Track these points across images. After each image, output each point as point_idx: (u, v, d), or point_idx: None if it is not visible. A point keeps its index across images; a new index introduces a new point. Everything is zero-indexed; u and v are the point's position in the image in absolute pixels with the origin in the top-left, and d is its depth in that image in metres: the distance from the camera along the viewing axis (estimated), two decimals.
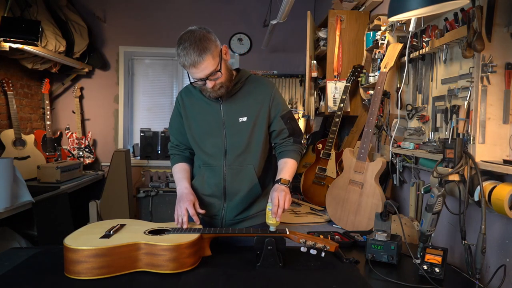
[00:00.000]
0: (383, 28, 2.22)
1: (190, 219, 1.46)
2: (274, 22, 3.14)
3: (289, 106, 4.28)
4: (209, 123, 1.57)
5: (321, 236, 1.37)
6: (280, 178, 1.48)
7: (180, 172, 1.64)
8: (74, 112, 4.19)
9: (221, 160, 1.57)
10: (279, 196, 1.39)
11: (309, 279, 1.21)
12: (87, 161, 4.15)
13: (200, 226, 1.44)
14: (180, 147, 1.69)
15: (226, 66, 1.48)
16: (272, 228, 1.39)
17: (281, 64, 4.39)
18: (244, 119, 1.55)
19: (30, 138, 3.55)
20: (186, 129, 1.63)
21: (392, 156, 2.00)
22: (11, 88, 3.39)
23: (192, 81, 1.46)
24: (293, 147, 1.61)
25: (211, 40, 1.40)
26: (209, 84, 1.43)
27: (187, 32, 1.41)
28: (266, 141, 1.61)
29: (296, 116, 4.32)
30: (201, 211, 1.49)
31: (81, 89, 4.29)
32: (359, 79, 2.57)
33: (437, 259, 1.24)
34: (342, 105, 2.65)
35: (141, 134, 4.25)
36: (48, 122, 3.94)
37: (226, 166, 1.57)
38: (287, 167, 1.54)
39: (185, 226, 1.41)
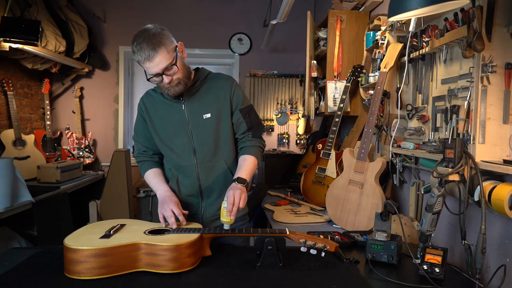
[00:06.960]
0: (383, 28, 2.22)
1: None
2: (274, 22, 3.14)
3: (289, 106, 4.29)
4: (174, 124, 1.58)
5: (321, 236, 1.37)
6: (238, 177, 1.49)
7: (155, 177, 1.64)
8: (74, 112, 4.19)
9: (192, 159, 1.58)
10: (235, 194, 1.39)
11: (309, 279, 1.21)
12: (87, 161, 4.15)
13: (200, 226, 1.44)
14: (148, 152, 1.68)
15: (183, 63, 1.49)
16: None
17: (281, 64, 4.39)
18: (208, 115, 1.56)
19: (30, 138, 3.55)
20: (152, 133, 1.63)
21: (392, 156, 2.00)
22: (11, 88, 3.39)
23: (148, 77, 1.46)
24: (252, 142, 1.62)
25: (165, 36, 1.42)
26: (166, 79, 1.44)
27: (141, 30, 1.42)
28: (234, 134, 1.63)
29: (296, 116, 4.32)
30: (185, 212, 1.50)
31: (81, 89, 4.29)
32: (359, 79, 2.57)
33: (437, 259, 1.24)
34: (342, 105, 2.64)
35: None
36: (48, 122, 3.94)
37: (198, 164, 1.58)
38: (245, 165, 1.55)
39: (174, 226, 1.41)
